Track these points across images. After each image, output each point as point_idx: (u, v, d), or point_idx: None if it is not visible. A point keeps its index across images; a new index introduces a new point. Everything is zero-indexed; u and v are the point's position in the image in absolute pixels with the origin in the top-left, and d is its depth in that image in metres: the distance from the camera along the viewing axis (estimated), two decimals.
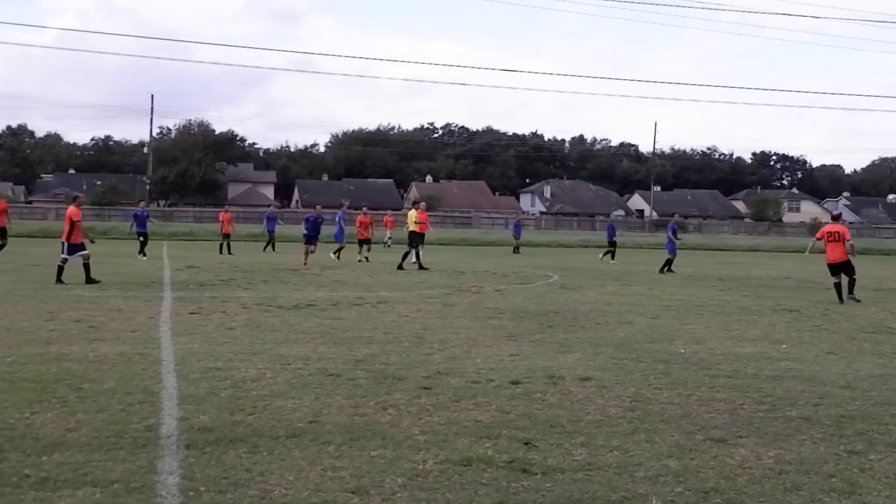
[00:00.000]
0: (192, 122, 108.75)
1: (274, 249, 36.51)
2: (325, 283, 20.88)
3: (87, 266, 19.13)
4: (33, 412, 7.07)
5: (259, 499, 5.19)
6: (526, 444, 6.51)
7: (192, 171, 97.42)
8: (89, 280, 18.72)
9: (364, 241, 31.55)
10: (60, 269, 18.99)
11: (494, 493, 5.41)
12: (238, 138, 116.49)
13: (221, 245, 35.06)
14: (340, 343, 11.27)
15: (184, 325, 12.68)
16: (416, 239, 27.40)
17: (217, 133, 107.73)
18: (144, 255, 30.04)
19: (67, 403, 7.43)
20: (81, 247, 19.52)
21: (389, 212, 54.64)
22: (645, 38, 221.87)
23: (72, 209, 19.62)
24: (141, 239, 31.56)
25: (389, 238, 43.51)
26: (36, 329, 11.81)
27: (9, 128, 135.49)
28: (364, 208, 35.40)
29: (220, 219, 37.05)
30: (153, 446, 6.18)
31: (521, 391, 8.51)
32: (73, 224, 19.38)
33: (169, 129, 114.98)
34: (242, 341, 11.19)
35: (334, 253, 32.01)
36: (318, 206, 34.44)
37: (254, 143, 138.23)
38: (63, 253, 19.33)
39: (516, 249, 43.42)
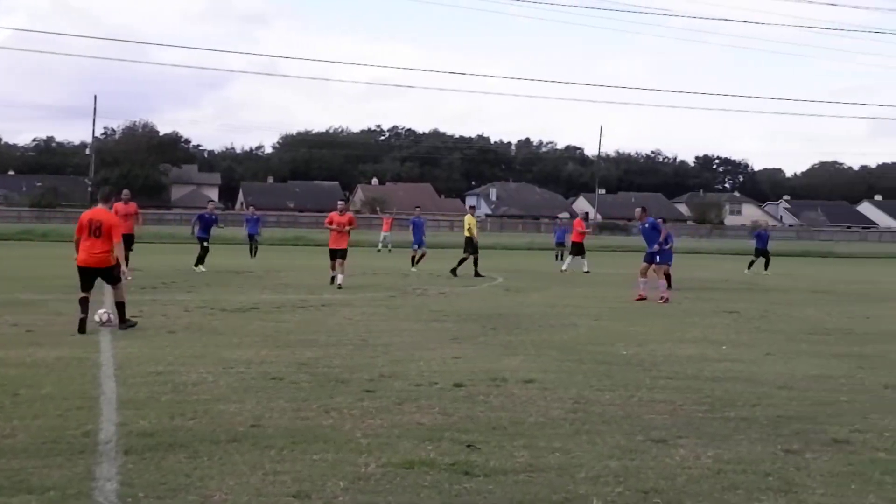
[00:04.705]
0: (136, 123, 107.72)
1: (254, 255, 33.68)
2: (269, 286, 20.69)
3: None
4: None
5: None
6: (468, 446, 6.52)
7: (135, 172, 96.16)
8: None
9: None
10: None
11: (437, 495, 5.41)
12: (182, 140, 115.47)
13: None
14: (284, 346, 11.20)
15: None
16: (471, 245, 25.84)
17: (161, 134, 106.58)
18: (202, 265, 24.98)
19: (3, 409, 7.30)
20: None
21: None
22: (598, 42, 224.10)
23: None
24: (205, 244, 25.60)
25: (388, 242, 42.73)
26: None
27: None
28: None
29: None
30: (91, 452, 6.09)
31: (464, 394, 8.52)
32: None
33: (114, 131, 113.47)
34: (184, 345, 11.07)
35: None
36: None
37: (198, 145, 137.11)
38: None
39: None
